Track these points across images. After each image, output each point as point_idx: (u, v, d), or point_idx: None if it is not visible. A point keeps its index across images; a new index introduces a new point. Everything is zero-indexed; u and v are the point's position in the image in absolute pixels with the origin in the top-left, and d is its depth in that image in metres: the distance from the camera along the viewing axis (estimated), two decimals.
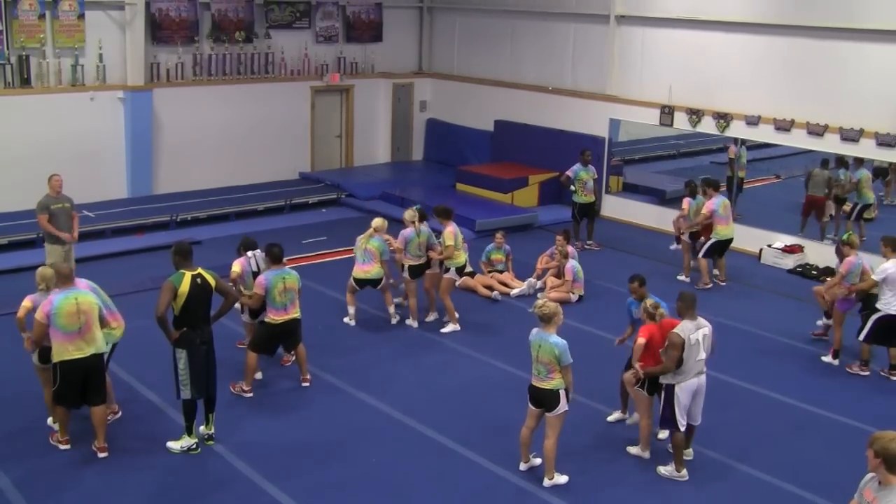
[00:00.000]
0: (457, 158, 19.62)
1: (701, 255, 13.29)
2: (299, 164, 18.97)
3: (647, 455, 8.34)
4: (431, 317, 11.71)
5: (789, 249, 14.54)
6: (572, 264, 12.53)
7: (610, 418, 9.08)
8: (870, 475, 5.24)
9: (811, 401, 9.68)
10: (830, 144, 14.08)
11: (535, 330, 7.69)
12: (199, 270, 7.96)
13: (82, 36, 15.66)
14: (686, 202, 13.65)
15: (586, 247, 15.10)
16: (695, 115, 15.64)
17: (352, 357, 10.53)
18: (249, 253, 9.91)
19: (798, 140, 14.42)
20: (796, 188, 15.41)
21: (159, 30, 16.66)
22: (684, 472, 8.01)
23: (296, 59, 18.63)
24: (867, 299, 10.41)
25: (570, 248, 12.75)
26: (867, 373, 10.40)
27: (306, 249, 14.49)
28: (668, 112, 16.03)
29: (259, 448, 8.33)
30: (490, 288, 12.77)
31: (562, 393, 7.59)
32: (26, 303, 8.08)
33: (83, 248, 12.41)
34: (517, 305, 12.24)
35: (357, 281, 11.29)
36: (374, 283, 11.28)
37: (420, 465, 8.17)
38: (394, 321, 11.57)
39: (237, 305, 9.38)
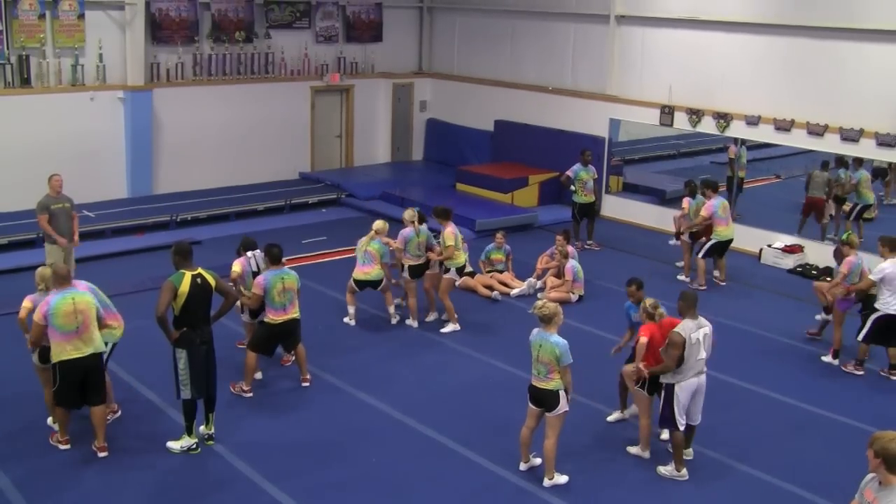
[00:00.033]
0: (457, 158, 19.62)
1: (700, 255, 13.29)
2: (299, 164, 18.97)
3: (647, 455, 8.34)
4: (431, 317, 11.71)
5: (789, 249, 14.54)
6: (572, 264, 12.53)
7: (610, 418, 9.08)
8: (870, 475, 5.24)
9: (811, 401, 9.68)
10: (830, 144, 14.08)
11: (535, 330, 7.69)
12: (200, 270, 7.97)
13: (82, 36, 15.67)
14: (686, 202, 13.66)
15: (586, 247, 15.10)
16: (695, 115, 15.64)
17: (352, 357, 10.53)
18: (249, 253, 9.91)
19: (798, 140, 14.42)
20: (796, 188, 15.42)
21: (159, 30, 16.66)
22: (684, 471, 8.01)
23: (296, 59, 18.63)
24: (866, 300, 10.42)
25: (570, 248, 12.75)
26: (861, 372, 10.42)
27: (306, 249, 14.48)
28: (668, 112, 16.03)
29: (259, 448, 8.33)
30: (490, 288, 12.78)
31: (561, 393, 7.59)
32: (26, 303, 8.10)
33: (83, 248, 12.41)
34: (517, 305, 12.24)
35: (357, 282, 11.30)
36: (374, 284, 11.28)
37: (420, 465, 8.17)
38: (394, 321, 11.57)
39: (237, 305, 9.39)
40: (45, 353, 7.95)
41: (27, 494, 7.47)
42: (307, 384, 9.66)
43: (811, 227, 14.88)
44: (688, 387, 7.88)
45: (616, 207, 17.25)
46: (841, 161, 14.61)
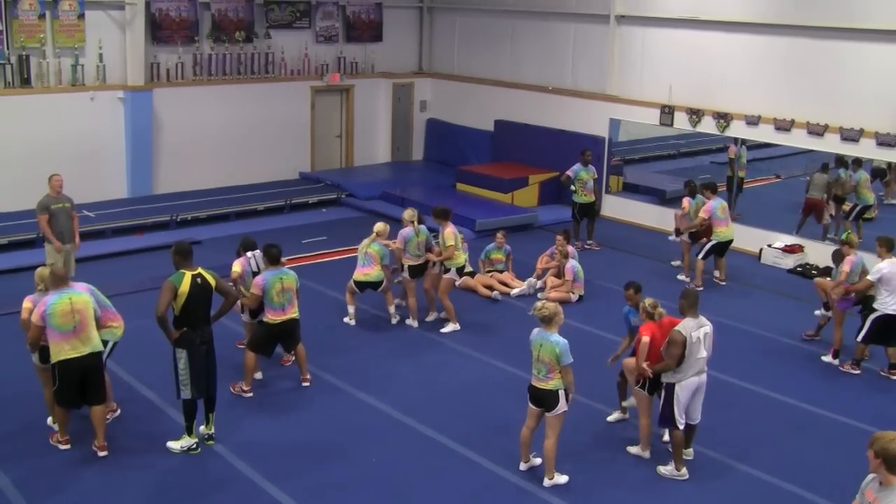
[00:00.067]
0: (457, 158, 19.62)
1: (700, 256, 13.28)
2: (299, 164, 18.97)
3: (647, 455, 8.34)
4: (431, 317, 11.71)
5: (789, 249, 14.54)
6: (572, 264, 12.53)
7: (610, 418, 9.08)
8: (871, 476, 5.23)
9: (811, 401, 9.68)
10: (830, 144, 14.08)
11: (536, 330, 7.69)
12: (200, 270, 7.97)
13: (82, 36, 15.67)
14: (686, 202, 13.66)
15: (586, 247, 15.10)
16: (695, 114, 15.64)
17: (352, 357, 10.53)
18: (249, 253, 9.91)
19: (798, 140, 14.42)
20: (796, 188, 15.42)
21: (159, 30, 16.66)
22: (684, 471, 8.01)
23: (296, 59, 18.63)
24: (866, 300, 10.42)
25: (570, 248, 12.75)
26: (858, 371, 10.42)
27: (306, 249, 14.48)
28: (668, 112, 16.03)
29: (259, 448, 8.33)
30: (490, 288, 12.77)
31: (561, 393, 7.59)
32: (26, 303, 8.10)
33: (83, 248, 12.39)
34: (517, 305, 12.23)
35: (357, 284, 11.30)
36: (374, 286, 11.28)
37: (420, 465, 8.17)
38: (394, 321, 11.57)
39: (237, 305, 9.38)
40: (45, 353, 7.95)
41: (27, 494, 7.47)
42: (307, 384, 9.66)
43: (811, 227, 14.88)
44: (688, 386, 7.88)
45: (616, 207, 17.25)
46: (841, 161, 14.62)
